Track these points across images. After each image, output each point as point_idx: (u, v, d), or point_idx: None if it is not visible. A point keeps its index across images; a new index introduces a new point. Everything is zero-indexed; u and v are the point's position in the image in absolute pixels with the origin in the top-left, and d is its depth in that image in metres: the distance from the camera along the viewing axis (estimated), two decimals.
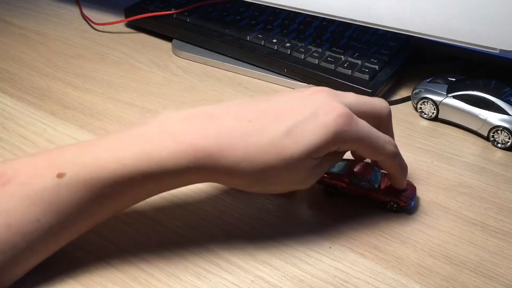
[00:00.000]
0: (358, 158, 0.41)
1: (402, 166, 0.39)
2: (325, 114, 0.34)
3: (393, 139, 0.39)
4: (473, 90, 0.49)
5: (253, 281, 0.35)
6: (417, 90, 0.53)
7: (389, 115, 0.39)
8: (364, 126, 0.35)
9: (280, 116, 0.35)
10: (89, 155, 0.33)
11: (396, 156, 0.38)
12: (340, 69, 0.55)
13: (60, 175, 0.32)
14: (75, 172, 0.32)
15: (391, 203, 0.40)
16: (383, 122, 0.39)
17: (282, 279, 0.35)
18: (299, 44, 0.59)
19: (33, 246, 0.32)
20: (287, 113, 0.35)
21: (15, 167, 0.33)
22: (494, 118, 0.48)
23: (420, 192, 0.42)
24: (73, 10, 0.75)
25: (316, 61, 0.56)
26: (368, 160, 0.42)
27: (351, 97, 0.37)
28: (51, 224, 0.32)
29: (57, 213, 0.32)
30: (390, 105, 0.55)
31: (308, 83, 0.56)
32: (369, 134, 0.36)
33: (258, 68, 0.59)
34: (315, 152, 0.34)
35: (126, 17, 0.68)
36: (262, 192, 0.40)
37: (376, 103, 0.38)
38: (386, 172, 0.42)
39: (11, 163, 0.34)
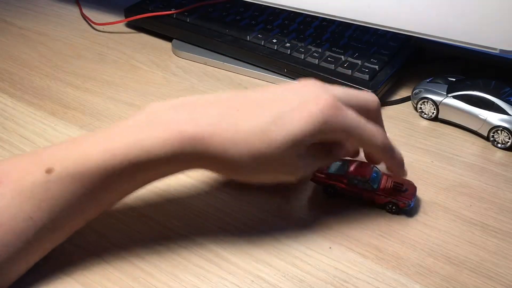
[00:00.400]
0: (351, 154, 0.42)
1: (395, 157, 0.39)
2: (313, 104, 0.34)
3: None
4: (473, 90, 0.49)
5: (253, 281, 0.35)
6: (417, 90, 0.53)
7: (378, 108, 0.39)
8: (352, 116, 0.36)
9: (268, 105, 0.35)
10: (78, 149, 0.34)
11: (386, 147, 0.38)
12: (340, 69, 0.55)
13: (49, 171, 0.32)
14: (64, 167, 0.33)
15: (390, 205, 0.40)
16: (372, 115, 0.39)
17: (282, 279, 0.35)
18: (299, 44, 0.59)
19: (28, 245, 0.32)
20: (275, 102, 0.35)
21: (6, 168, 0.33)
22: (494, 118, 0.48)
23: (420, 192, 0.42)
24: (73, 10, 0.75)
25: (316, 61, 0.56)
26: (362, 155, 0.42)
27: (340, 90, 0.37)
28: (44, 221, 0.32)
29: (49, 209, 0.32)
30: (390, 105, 0.55)
31: None
32: (357, 124, 0.36)
33: (258, 68, 0.59)
34: (302, 139, 0.34)
35: (126, 17, 0.68)
36: (250, 181, 0.39)
37: (365, 95, 0.39)
38: (385, 173, 0.42)
39: (2, 164, 0.34)
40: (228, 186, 0.43)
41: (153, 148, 0.33)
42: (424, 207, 0.41)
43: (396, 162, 0.39)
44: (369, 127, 0.36)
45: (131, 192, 0.36)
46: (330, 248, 0.37)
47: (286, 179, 0.37)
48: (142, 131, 0.34)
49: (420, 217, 0.40)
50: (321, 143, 0.38)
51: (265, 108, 0.35)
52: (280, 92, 0.36)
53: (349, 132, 0.35)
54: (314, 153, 0.37)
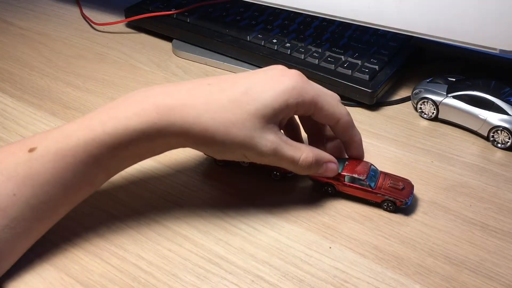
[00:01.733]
0: (314, 131, 0.43)
1: (356, 133, 0.41)
2: (282, 75, 0.37)
3: None
4: (473, 90, 0.49)
5: (253, 281, 0.35)
6: (417, 90, 0.53)
7: (339, 100, 0.41)
8: (318, 86, 0.38)
9: (238, 80, 0.37)
10: (59, 130, 0.35)
11: (350, 119, 0.40)
12: (340, 69, 0.55)
13: (31, 150, 0.34)
14: (46, 145, 0.34)
15: (387, 203, 0.40)
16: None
17: (282, 279, 0.35)
18: (299, 44, 0.59)
19: (14, 224, 0.33)
20: (245, 78, 0.37)
21: None
22: (494, 118, 0.47)
23: (420, 192, 0.42)
24: (73, 10, 0.76)
25: (316, 61, 0.56)
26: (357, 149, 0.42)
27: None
28: (27, 197, 0.33)
29: (32, 186, 0.33)
30: (390, 105, 0.55)
31: None
32: (323, 92, 0.38)
33: (258, 69, 0.59)
34: (272, 107, 0.36)
35: (126, 17, 0.68)
36: (223, 155, 0.39)
37: (328, 90, 0.41)
38: (383, 172, 0.42)
39: None
40: (229, 187, 0.43)
41: (130, 120, 0.34)
42: (424, 207, 0.41)
43: (357, 138, 0.41)
44: (333, 96, 0.39)
45: (117, 170, 0.37)
46: (330, 248, 0.37)
47: (255, 155, 0.37)
48: (119, 108, 0.36)
49: (420, 217, 0.40)
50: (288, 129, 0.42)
51: (235, 83, 0.37)
52: (249, 72, 0.39)
53: (315, 100, 0.37)
54: (282, 135, 0.38)
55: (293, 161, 0.38)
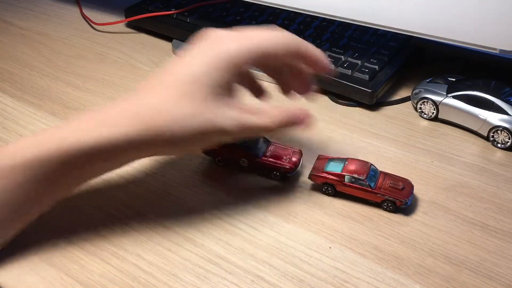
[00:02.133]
0: (279, 75, 0.41)
1: (313, 47, 0.38)
2: (212, 47, 0.35)
3: None
4: (473, 90, 0.49)
5: (253, 281, 0.35)
6: (417, 90, 0.53)
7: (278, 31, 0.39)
8: (252, 34, 0.36)
9: (177, 70, 0.36)
10: (43, 135, 0.34)
11: (300, 41, 0.37)
12: (340, 69, 0.55)
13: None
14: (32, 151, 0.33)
15: (387, 203, 0.40)
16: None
17: (282, 279, 0.35)
18: None
19: None
20: (182, 65, 0.36)
21: None
22: (494, 118, 0.47)
23: (420, 192, 0.42)
24: (73, 10, 0.75)
25: None
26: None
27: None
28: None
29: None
30: (390, 105, 0.55)
31: None
32: (261, 39, 0.36)
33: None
34: (214, 84, 0.34)
35: (126, 17, 0.68)
36: (193, 148, 0.38)
37: None
38: (383, 172, 0.42)
39: None
40: (229, 187, 0.43)
41: (113, 122, 0.34)
42: (424, 207, 0.41)
43: (317, 52, 0.38)
44: (275, 41, 0.36)
45: (99, 173, 0.37)
46: (330, 248, 0.37)
47: (222, 137, 0.36)
48: (99, 113, 0.35)
49: (420, 217, 0.40)
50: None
51: (179, 75, 0.35)
52: (186, 56, 0.37)
53: (259, 55, 0.36)
54: (241, 105, 0.36)
55: (265, 128, 0.36)
